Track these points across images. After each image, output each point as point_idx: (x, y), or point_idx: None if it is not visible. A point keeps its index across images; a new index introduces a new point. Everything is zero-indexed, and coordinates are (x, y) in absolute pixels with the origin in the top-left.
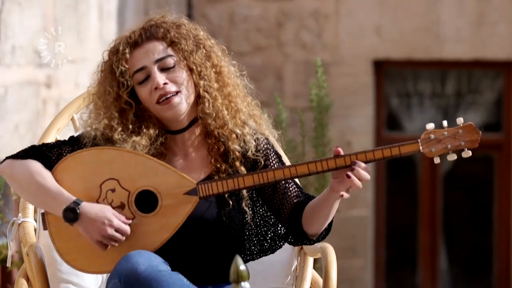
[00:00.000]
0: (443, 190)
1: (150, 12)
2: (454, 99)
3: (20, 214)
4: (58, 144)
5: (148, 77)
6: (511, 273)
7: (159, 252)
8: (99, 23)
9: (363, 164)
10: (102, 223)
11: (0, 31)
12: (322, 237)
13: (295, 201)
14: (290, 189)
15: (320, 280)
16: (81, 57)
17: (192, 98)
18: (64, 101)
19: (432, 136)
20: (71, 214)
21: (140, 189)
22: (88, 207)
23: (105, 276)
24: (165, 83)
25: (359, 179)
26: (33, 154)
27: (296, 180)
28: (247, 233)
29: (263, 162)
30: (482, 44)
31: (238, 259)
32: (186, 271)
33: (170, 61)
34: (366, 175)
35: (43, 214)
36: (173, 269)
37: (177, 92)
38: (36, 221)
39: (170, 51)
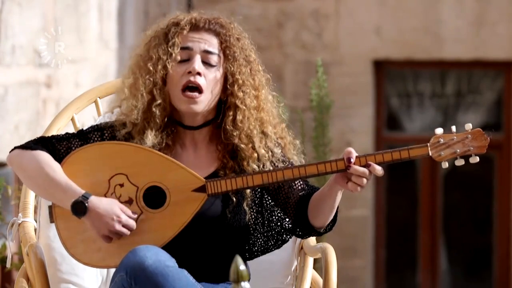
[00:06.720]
0: (443, 190)
1: (150, 11)
2: (454, 99)
3: (20, 214)
4: (67, 136)
5: (188, 60)
6: (511, 273)
7: (165, 248)
8: (99, 23)
9: (378, 167)
10: (110, 219)
11: (0, 31)
12: (329, 228)
13: (300, 194)
14: (296, 181)
15: (320, 280)
16: (81, 57)
17: (213, 103)
18: (64, 101)
19: (442, 140)
20: (80, 207)
21: (149, 184)
22: (97, 202)
23: (105, 276)
24: (199, 73)
25: (363, 182)
26: (42, 145)
27: None
28: (252, 230)
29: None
30: (482, 44)
31: (238, 259)
32: (191, 268)
33: (215, 59)
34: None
35: (50, 207)
36: (178, 266)
37: (201, 92)
38: (36, 221)
39: (220, 51)
